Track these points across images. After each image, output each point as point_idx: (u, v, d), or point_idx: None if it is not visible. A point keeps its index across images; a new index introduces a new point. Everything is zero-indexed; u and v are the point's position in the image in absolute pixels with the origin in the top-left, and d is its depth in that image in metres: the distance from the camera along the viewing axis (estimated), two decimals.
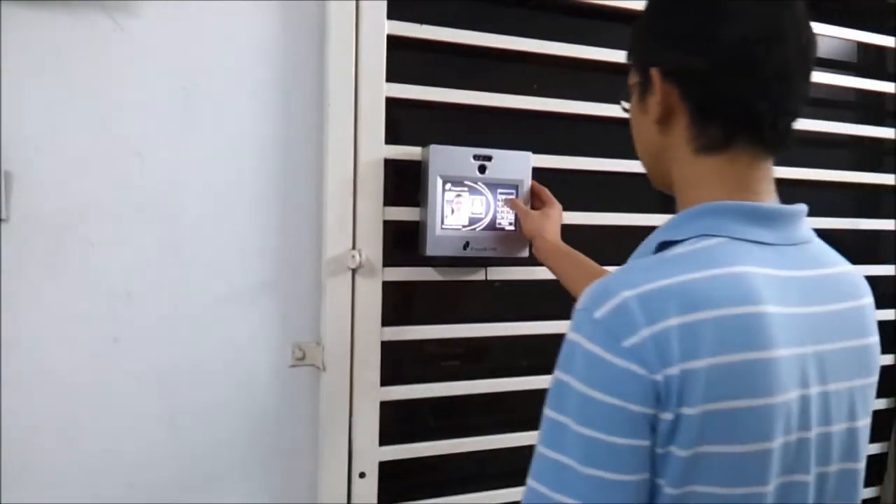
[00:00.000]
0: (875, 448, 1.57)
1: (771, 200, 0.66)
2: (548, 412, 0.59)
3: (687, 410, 0.55)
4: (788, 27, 0.62)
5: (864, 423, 0.66)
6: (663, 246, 0.64)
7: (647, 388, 0.55)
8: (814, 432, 0.61)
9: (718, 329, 0.56)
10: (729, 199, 0.64)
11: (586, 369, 0.57)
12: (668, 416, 0.55)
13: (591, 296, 0.59)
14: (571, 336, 0.59)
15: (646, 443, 0.56)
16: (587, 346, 0.57)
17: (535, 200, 1.19)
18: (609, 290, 0.58)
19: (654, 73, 0.66)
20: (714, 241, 0.62)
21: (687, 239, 0.63)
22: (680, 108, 0.65)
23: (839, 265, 0.68)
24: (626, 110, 0.75)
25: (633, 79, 0.71)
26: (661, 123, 0.67)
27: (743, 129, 0.64)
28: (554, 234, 1.11)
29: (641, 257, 0.66)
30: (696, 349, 0.55)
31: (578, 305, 0.60)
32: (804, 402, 0.60)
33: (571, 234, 1.12)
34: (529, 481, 0.59)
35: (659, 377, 0.55)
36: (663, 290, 0.57)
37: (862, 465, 0.66)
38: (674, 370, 0.55)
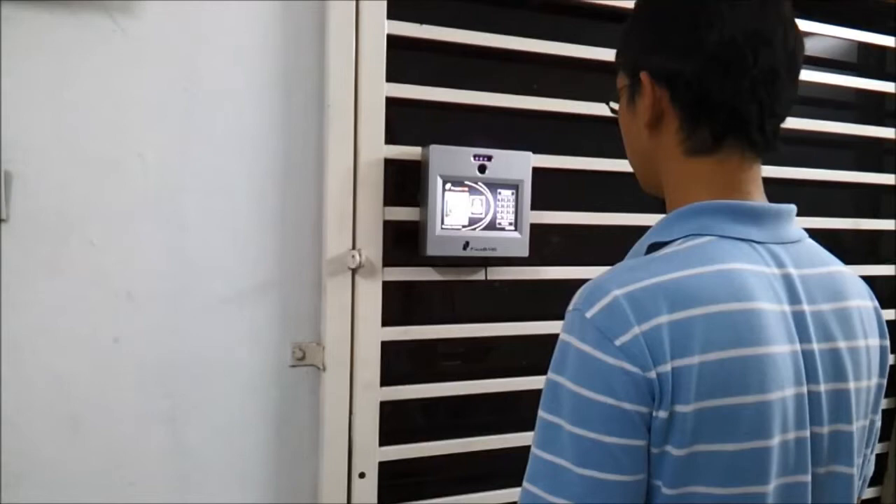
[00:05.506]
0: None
1: (760, 201, 0.66)
2: (542, 414, 0.59)
3: (680, 408, 0.55)
4: (776, 30, 0.62)
5: (859, 426, 0.65)
6: (654, 247, 0.64)
7: (640, 386, 0.55)
8: (809, 432, 0.60)
9: (709, 326, 0.56)
10: (718, 200, 0.64)
11: (579, 369, 0.57)
12: (662, 414, 0.55)
13: (582, 296, 0.59)
14: (564, 337, 0.59)
15: (640, 442, 0.56)
16: (579, 346, 0.57)
17: None
18: (600, 289, 0.58)
19: (645, 76, 0.66)
20: (703, 239, 0.62)
21: (677, 239, 0.63)
22: (670, 111, 0.65)
23: (831, 265, 0.67)
24: (614, 112, 0.75)
25: (622, 81, 0.71)
26: (651, 127, 0.67)
27: (732, 131, 0.64)
28: None
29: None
30: (687, 346, 0.55)
31: (570, 306, 0.60)
32: (799, 400, 0.60)
33: (572, 234, 1.12)
34: (525, 483, 0.59)
35: (651, 375, 0.55)
36: (654, 288, 0.57)
37: (854, 470, 0.64)
38: (665, 368, 0.55)
